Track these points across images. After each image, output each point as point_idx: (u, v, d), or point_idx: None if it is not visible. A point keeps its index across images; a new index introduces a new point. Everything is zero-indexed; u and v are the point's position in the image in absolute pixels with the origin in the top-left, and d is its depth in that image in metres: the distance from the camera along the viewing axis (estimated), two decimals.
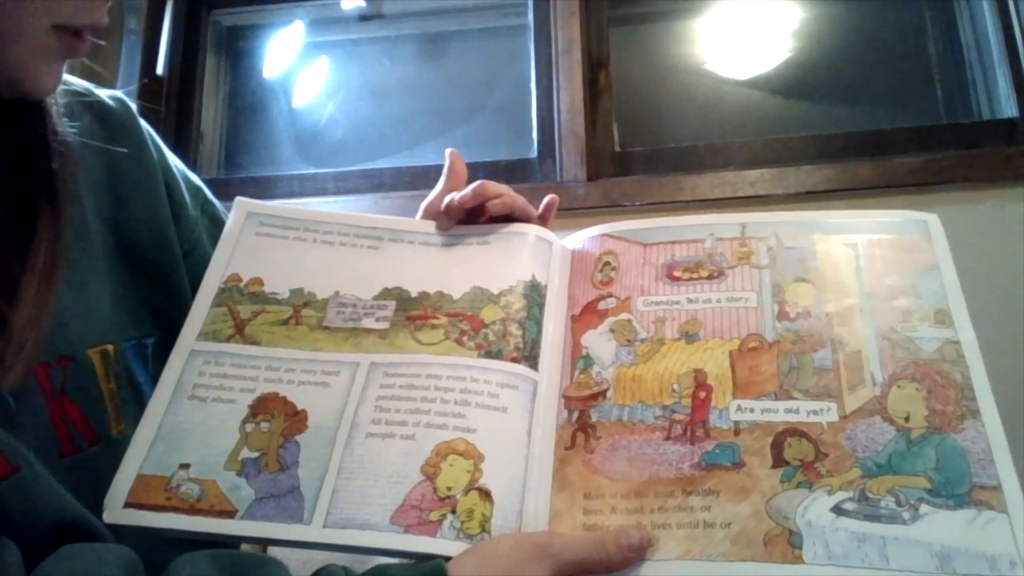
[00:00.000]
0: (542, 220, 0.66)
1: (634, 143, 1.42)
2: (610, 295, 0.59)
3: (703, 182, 1.30)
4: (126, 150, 0.58)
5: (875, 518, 0.45)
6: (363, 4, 1.60)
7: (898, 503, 0.46)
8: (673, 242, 0.60)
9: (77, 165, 0.52)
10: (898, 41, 1.45)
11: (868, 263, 0.56)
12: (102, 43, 0.49)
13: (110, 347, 0.53)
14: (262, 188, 1.48)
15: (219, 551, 0.44)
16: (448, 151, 0.69)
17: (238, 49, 1.68)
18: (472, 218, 0.63)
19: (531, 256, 0.61)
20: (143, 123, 0.62)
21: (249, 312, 0.57)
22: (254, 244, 0.61)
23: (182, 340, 0.55)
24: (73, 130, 0.52)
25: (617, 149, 1.40)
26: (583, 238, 0.63)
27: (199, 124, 1.55)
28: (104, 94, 0.59)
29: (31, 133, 0.49)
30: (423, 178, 1.42)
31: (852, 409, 0.50)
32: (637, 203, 1.30)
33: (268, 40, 1.65)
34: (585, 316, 0.58)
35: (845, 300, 0.55)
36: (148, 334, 0.57)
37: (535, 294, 0.59)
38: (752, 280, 0.57)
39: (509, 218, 0.63)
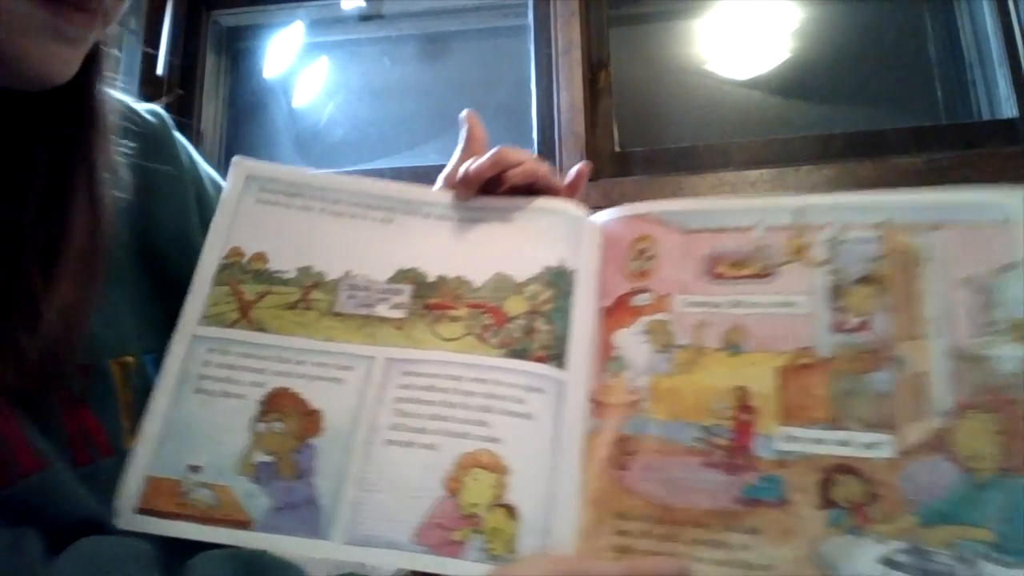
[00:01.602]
0: (570, 191, 0.60)
1: (634, 143, 1.42)
2: (645, 290, 0.52)
3: (703, 182, 1.30)
4: (160, 164, 0.56)
5: (929, 574, 0.40)
6: (363, 4, 1.60)
7: (956, 558, 0.40)
8: (718, 230, 0.52)
9: (118, 187, 0.50)
10: (898, 41, 1.45)
11: (942, 260, 0.47)
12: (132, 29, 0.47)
13: (130, 359, 0.51)
14: None
15: (237, 551, 0.44)
16: (464, 112, 0.64)
17: (238, 49, 1.67)
18: (492, 188, 0.58)
19: (558, 237, 0.55)
20: (178, 136, 0.61)
21: (254, 293, 0.53)
22: (255, 213, 0.56)
23: (183, 323, 0.52)
24: (125, 151, 0.51)
25: (617, 149, 1.40)
26: (616, 216, 0.56)
27: (199, 124, 1.55)
28: (141, 108, 0.58)
29: (80, 141, 0.48)
30: (423, 178, 1.40)
31: (911, 444, 0.43)
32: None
33: (268, 40, 1.65)
34: (617, 311, 0.53)
35: (911, 308, 0.47)
36: None
37: (562, 282, 0.53)
38: (805, 281, 0.49)
39: (532, 188, 0.57)
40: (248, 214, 0.56)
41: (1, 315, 0.42)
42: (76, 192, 0.46)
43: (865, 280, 0.48)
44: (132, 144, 0.54)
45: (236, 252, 0.54)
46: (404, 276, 0.54)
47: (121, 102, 0.56)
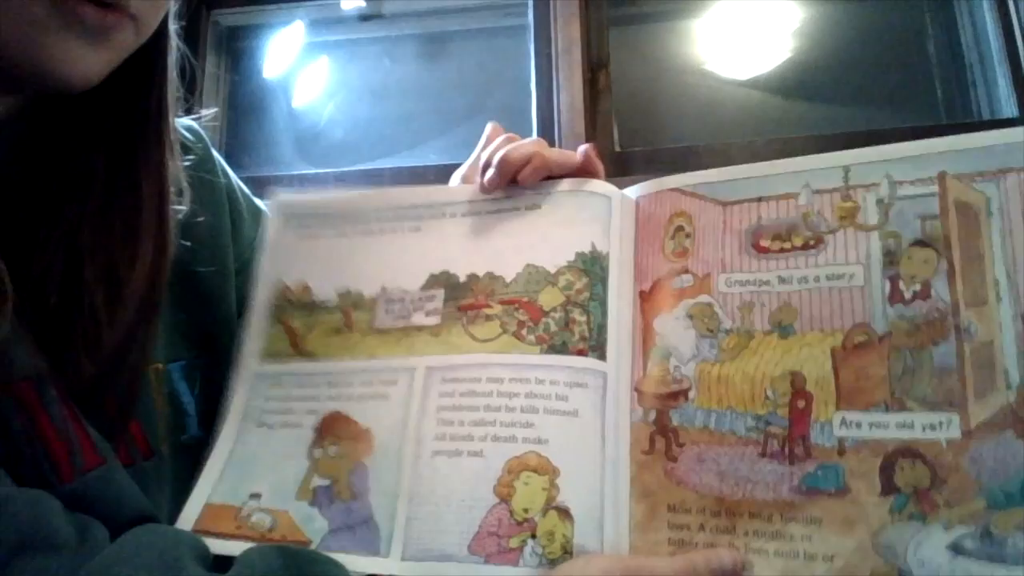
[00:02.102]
0: (583, 174, 0.57)
1: (634, 143, 1.42)
2: (686, 271, 0.50)
3: None
4: (197, 179, 0.57)
5: (1000, 559, 0.38)
6: (363, 4, 1.60)
7: None
8: (759, 199, 0.49)
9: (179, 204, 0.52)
10: (898, 41, 1.45)
11: (1008, 212, 0.43)
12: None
13: (159, 366, 0.52)
14: (262, 188, 1.47)
15: (285, 545, 0.45)
16: (490, 125, 0.63)
17: (238, 49, 1.67)
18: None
19: (587, 218, 0.54)
20: (214, 152, 0.63)
21: (302, 325, 0.55)
22: (297, 248, 0.57)
23: (245, 362, 0.54)
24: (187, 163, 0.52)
25: (617, 149, 1.40)
26: (649, 191, 0.54)
27: (199, 124, 1.55)
28: (180, 125, 0.59)
29: (148, 164, 0.48)
30: (423, 178, 1.41)
31: (979, 422, 0.40)
32: None
33: (268, 40, 1.65)
34: (657, 295, 0.50)
35: (976, 270, 0.42)
36: (199, 355, 0.56)
37: (596, 267, 0.52)
38: (857, 248, 0.45)
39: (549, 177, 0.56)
40: (290, 250, 0.58)
41: (67, 329, 0.44)
42: (145, 216, 0.47)
43: (922, 242, 0.44)
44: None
45: (285, 290, 0.56)
46: (435, 281, 0.54)
47: None
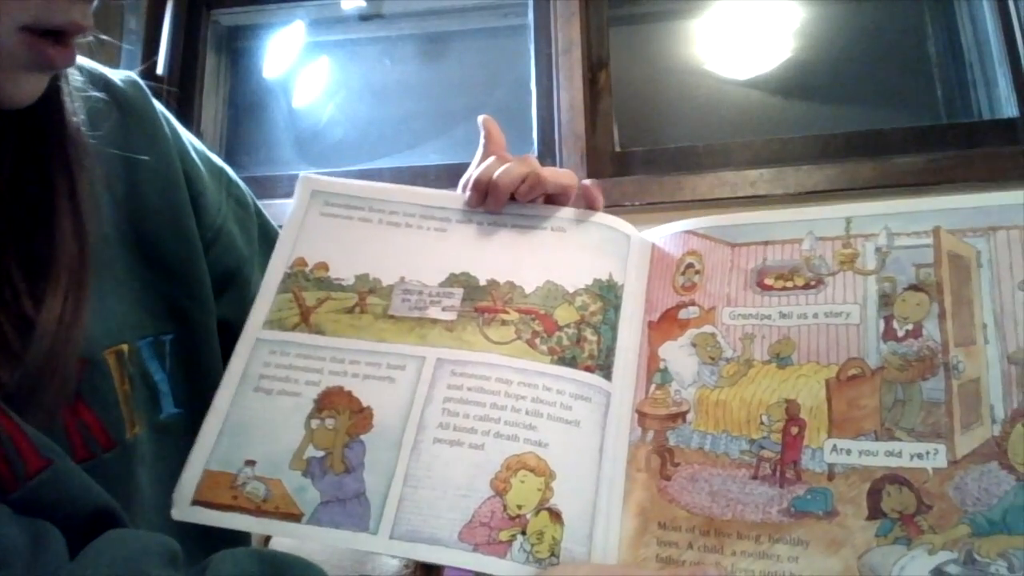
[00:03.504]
0: (582, 200, 0.61)
1: (634, 143, 1.42)
2: (692, 303, 0.53)
3: (703, 182, 1.30)
4: (141, 137, 0.55)
5: None
6: (363, 4, 1.60)
7: (1011, 568, 0.39)
8: (766, 242, 0.53)
9: (95, 164, 0.49)
10: (898, 41, 1.45)
11: (997, 264, 0.46)
12: (108, 40, 0.46)
13: (124, 346, 0.51)
14: (262, 188, 1.47)
15: (259, 549, 0.45)
16: (481, 118, 0.65)
17: (238, 49, 1.68)
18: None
19: (609, 250, 0.57)
20: (157, 105, 0.59)
21: (314, 299, 0.56)
22: (319, 225, 0.59)
23: (248, 327, 0.54)
24: (95, 136, 0.50)
25: (617, 149, 1.40)
26: (664, 233, 0.58)
27: (199, 124, 1.55)
28: (117, 77, 0.56)
29: (44, 133, 0.46)
30: (423, 178, 1.41)
31: (964, 453, 0.42)
32: (637, 203, 1.30)
33: (268, 40, 1.65)
34: (664, 324, 0.54)
35: (965, 314, 0.46)
36: (166, 330, 0.55)
37: (611, 295, 0.55)
38: (855, 290, 0.49)
39: (549, 198, 0.59)
40: (312, 226, 0.59)
41: None
42: (59, 205, 0.46)
43: (916, 287, 0.47)
44: (104, 113, 0.52)
45: (300, 262, 0.57)
46: (455, 280, 0.56)
47: (96, 72, 0.54)
